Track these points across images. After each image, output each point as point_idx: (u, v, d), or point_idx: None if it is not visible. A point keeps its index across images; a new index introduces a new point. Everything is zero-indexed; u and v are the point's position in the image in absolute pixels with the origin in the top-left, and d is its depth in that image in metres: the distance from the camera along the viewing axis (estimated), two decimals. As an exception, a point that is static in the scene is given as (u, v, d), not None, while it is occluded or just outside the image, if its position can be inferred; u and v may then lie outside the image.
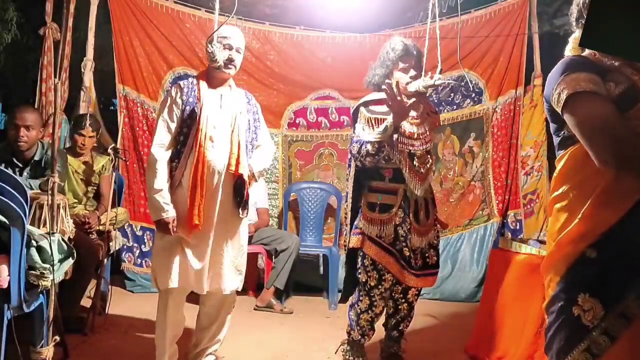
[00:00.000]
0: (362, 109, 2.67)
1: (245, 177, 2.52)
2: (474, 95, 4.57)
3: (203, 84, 2.52)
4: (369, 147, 2.51)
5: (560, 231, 1.44)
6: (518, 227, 4.41)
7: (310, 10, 4.49)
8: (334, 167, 4.65)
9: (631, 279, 1.33)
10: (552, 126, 1.49)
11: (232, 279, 2.59)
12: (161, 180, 2.43)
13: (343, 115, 4.57)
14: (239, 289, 2.69)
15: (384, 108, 2.59)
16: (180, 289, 2.50)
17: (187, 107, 2.47)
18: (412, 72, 2.62)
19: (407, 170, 2.62)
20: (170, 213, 2.42)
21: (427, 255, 2.70)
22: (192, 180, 2.42)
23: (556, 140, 1.51)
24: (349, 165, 2.79)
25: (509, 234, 4.35)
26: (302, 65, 4.59)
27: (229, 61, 2.50)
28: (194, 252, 2.50)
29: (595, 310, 1.35)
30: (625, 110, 1.36)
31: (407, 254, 2.63)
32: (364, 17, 4.52)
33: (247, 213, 2.62)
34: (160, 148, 2.46)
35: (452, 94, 4.57)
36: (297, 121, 4.65)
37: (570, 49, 1.55)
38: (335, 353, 2.92)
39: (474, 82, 4.51)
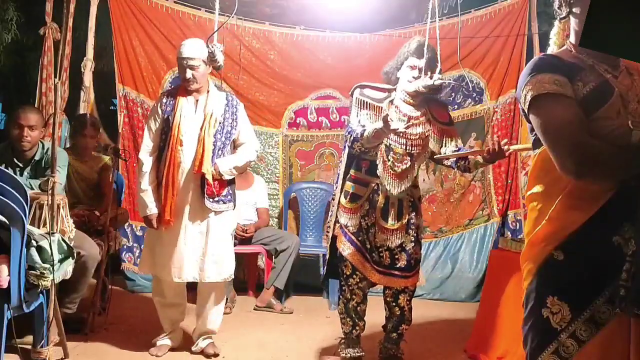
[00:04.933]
0: (356, 90, 2.71)
1: (208, 175, 2.75)
2: (474, 95, 4.57)
3: (180, 97, 2.85)
4: (358, 142, 2.57)
5: (532, 231, 1.44)
6: (518, 227, 4.40)
7: (311, 10, 4.49)
8: (335, 167, 4.64)
9: (599, 283, 1.32)
10: (528, 126, 1.49)
11: (210, 270, 2.83)
12: (145, 181, 2.83)
13: (344, 115, 4.56)
14: (220, 280, 2.89)
15: (377, 94, 2.67)
16: (165, 276, 2.84)
17: (166, 116, 2.83)
18: (416, 73, 2.63)
19: (380, 163, 2.65)
20: (153, 210, 2.81)
21: (397, 257, 2.68)
22: (164, 180, 2.78)
23: (531, 139, 1.51)
24: (344, 148, 2.79)
25: (509, 234, 4.35)
26: (302, 65, 4.59)
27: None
28: (170, 244, 2.82)
29: (563, 313, 1.34)
30: (594, 110, 1.35)
31: (368, 246, 2.67)
32: (364, 17, 4.52)
33: (221, 206, 2.84)
34: (145, 153, 2.86)
35: (452, 94, 4.57)
36: (297, 121, 4.65)
37: (555, 33, 1.56)
38: (335, 354, 2.92)
39: (474, 82, 4.51)
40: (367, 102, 2.66)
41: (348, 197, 2.72)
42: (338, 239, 2.73)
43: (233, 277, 3.02)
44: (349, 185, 2.73)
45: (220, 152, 2.85)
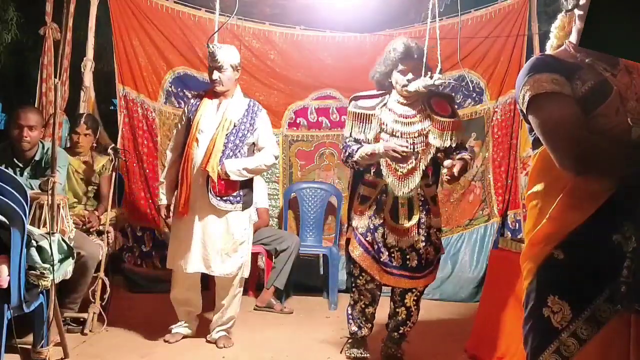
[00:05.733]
0: (350, 103, 2.73)
1: (212, 174, 2.87)
2: (474, 95, 4.57)
3: (206, 99, 3.04)
4: (352, 158, 2.65)
5: (532, 230, 1.44)
6: (517, 227, 4.40)
7: (311, 10, 4.49)
8: (335, 167, 4.64)
9: (599, 281, 1.32)
10: (527, 126, 1.50)
11: (221, 264, 2.96)
12: (163, 174, 3.13)
13: (344, 115, 4.50)
14: (232, 274, 3.01)
15: (371, 102, 2.68)
16: (176, 267, 3.00)
17: (189, 116, 3.03)
18: (410, 75, 2.60)
19: (384, 167, 2.66)
20: (162, 201, 3.07)
21: (408, 257, 2.66)
22: (180, 175, 2.96)
23: (531, 139, 1.52)
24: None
25: (509, 234, 4.35)
26: (302, 65, 4.58)
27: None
28: (182, 237, 2.98)
29: (563, 312, 1.35)
30: (593, 108, 1.35)
31: (376, 247, 2.65)
32: (364, 17, 4.52)
33: (227, 206, 2.95)
34: (169, 149, 3.15)
35: (452, 94, 4.56)
36: (297, 121, 4.65)
37: (556, 27, 1.57)
38: (341, 352, 2.92)
39: (474, 82, 4.51)
40: (359, 114, 2.67)
41: (359, 199, 2.74)
42: (350, 242, 2.74)
43: (239, 274, 3.05)
44: (361, 188, 2.75)
45: (232, 153, 2.95)
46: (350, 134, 2.70)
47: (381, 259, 2.65)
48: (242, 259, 3.04)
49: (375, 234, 2.65)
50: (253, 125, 3.03)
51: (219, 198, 2.92)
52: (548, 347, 1.36)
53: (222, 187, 2.91)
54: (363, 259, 2.66)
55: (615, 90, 1.37)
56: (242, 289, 3.18)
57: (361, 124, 2.67)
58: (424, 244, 2.67)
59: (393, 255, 2.65)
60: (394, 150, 2.50)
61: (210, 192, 2.90)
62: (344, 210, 2.95)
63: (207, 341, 3.12)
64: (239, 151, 2.98)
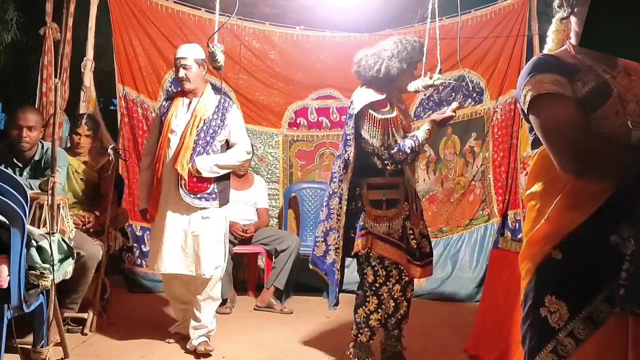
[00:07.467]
0: (371, 112, 2.55)
1: (181, 171, 2.85)
2: (474, 95, 4.57)
3: (177, 99, 3.03)
4: (414, 151, 2.56)
5: (531, 230, 1.44)
6: (517, 227, 4.40)
7: (311, 10, 4.49)
8: (335, 167, 4.64)
9: (597, 282, 1.32)
10: (527, 125, 1.50)
11: (190, 264, 2.91)
12: (142, 179, 3.14)
13: (344, 115, 4.52)
14: (207, 275, 2.92)
15: (386, 109, 2.59)
16: (155, 268, 3.00)
17: (162, 118, 3.03)
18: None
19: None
20: (142, 205, 3.09)
21: (421, 245, 2.71)
22: (154, 176, 2.96)
23: (530, 139, 1.52)
24: (345, 167, 2.65)
25: (509, 234, 4.35)
26: (302, 65, 4.59)
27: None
28: (158, 237, 2.96)
29: (561, 312, 1.35)
30: (593, 110, 1.35)
31: (415, 246, 2.64)
32: (364, 17, 4.52)
33: (203, 203, 2.92)
34: (144, 155, 3.18)
35: (453, 94, 4.57)
36: (297, 121, 4.65)
37: (553, 31, 1.57)
38: (348, 354, 2.89)
39: (474, 82, 4.51)
40: (392, 119, 2.55)
41: (384, 205, 2.60)
42: (375, 248, 2.58)
43: (214, 274, 2.95)
44: (377, 194, 2.61)
45: (202, 150, 2.92)
46: (395, 140, 2.54)
47: (416, 256, 2.65)
48: (217, 259, 2.95)
49: (414, 233, 2.64)
50: (224, 122, 2.98)
51: (192, 195, 2.88)
52: (545, 346, 1.37)
53: (194, 184, 2.88)
54: (402, 262, 2.60)
55: (615, 93, 1.37)
56: (219, 290, 3.08)
57: (396, 128, 2.56)
58: (426, 229, 2.78)
59: (416, 247, 2.67)
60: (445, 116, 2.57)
61: (182, 189, 2.86)
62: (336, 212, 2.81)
63: (186, 352, 2.96)
64: (211, 148, 2.94)
